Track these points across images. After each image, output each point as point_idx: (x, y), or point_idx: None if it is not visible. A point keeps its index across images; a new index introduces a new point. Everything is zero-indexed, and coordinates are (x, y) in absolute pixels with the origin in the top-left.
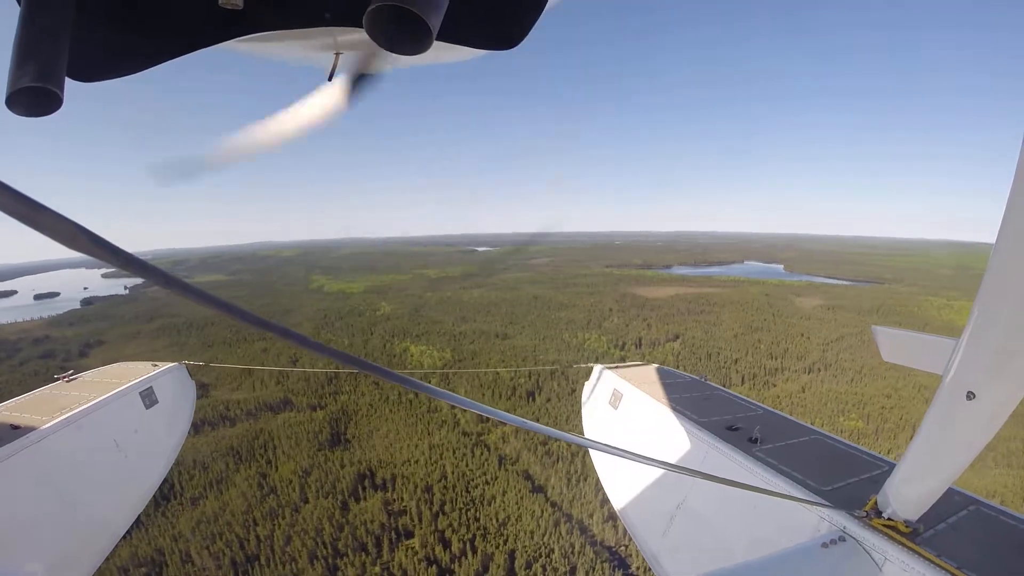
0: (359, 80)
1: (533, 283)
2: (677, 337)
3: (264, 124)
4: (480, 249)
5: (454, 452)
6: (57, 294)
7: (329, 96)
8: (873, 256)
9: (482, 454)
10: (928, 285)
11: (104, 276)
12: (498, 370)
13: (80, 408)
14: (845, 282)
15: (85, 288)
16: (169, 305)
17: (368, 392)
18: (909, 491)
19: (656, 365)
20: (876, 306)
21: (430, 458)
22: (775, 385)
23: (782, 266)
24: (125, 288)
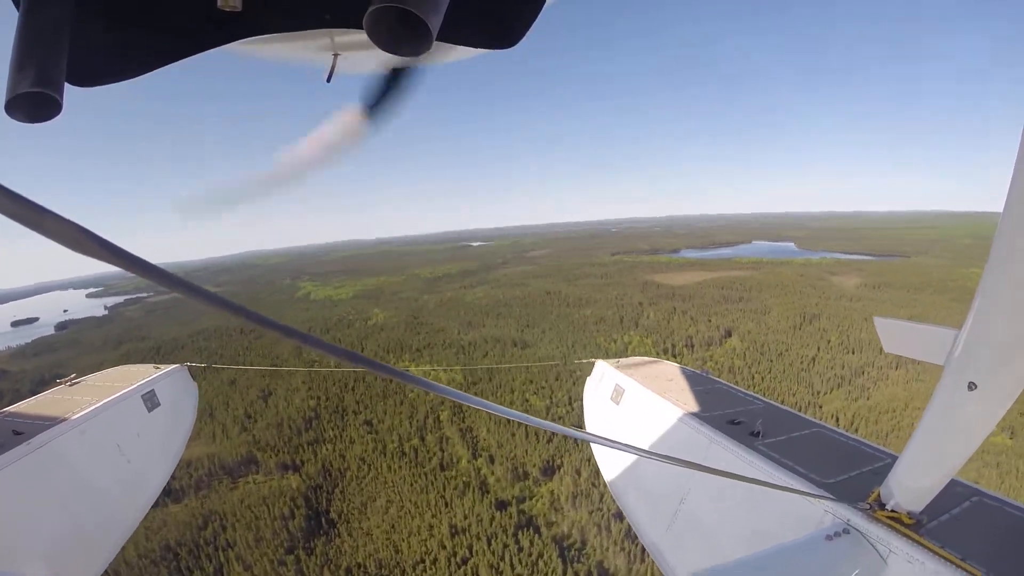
0: (377, 107)
1: (539, 277)
2: (730, 333)
3: (285, 158)
4: (474, 244)
5: (489, 542)
6: (36, 319)
7: (347, 124)
8: (880, 230)
9: (531, 543)
10: (957, 257)
11: (88, 296)
12: (527, 396)
13: (82, 412)
14: (868, 257)
15: (65, 311)
16: (140, 328)
17: (359, 439)
18: (912, 483)
19: (657, 360)
20: (921, 282)
21: (455, 554)
22: (869, 389)
23: (793, 244)
24: (105, 308)
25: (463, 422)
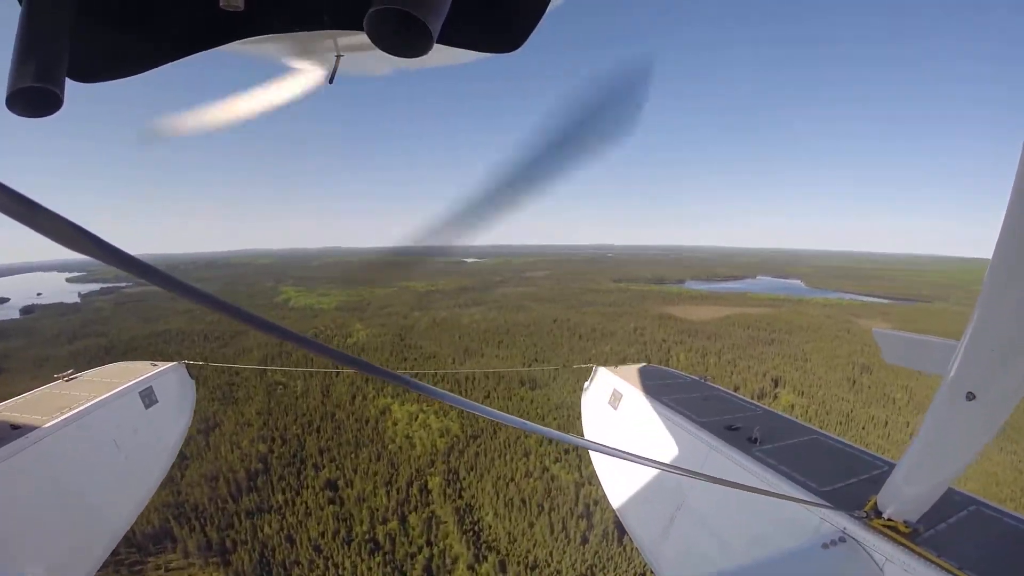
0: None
1: (542, 301)
2: (777, 383)
3: (242, 97)
4: (469, 260)
5: None
6: (7, 300)
7: (306, 73)
8: (885, 271)
9: None
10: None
11: (68, 280)
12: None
13: (80, 408)
14: (885, 300)
15: (38, 294)
16: (104, 321)
17: (316, 510)
18: (909, 491)
19: (654, 365)
20: (962, 331)
21: None
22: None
23: (800, 281)
24: (78, 295)
25: (460, 497)
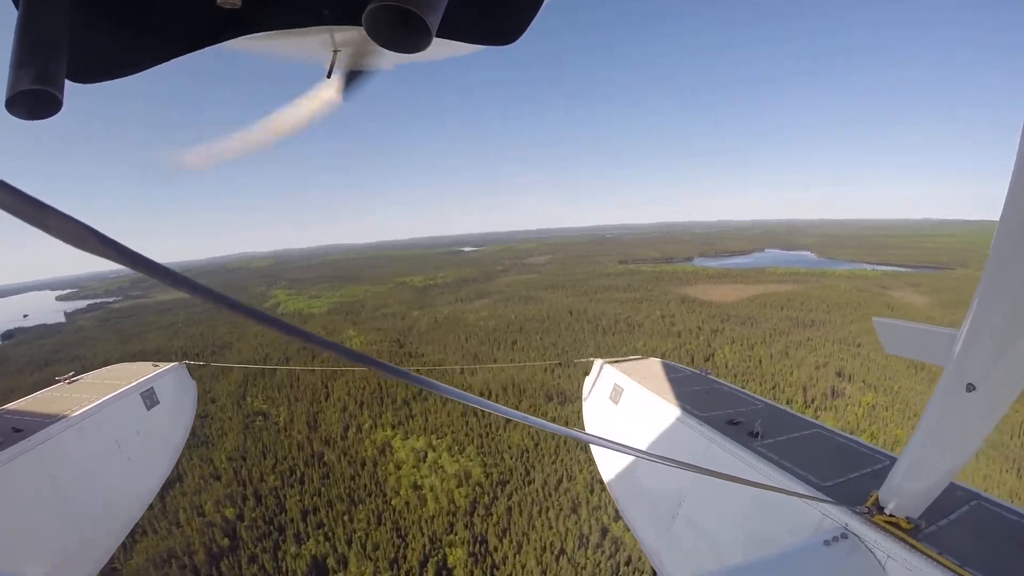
0: (353, 76)
1: (550, 288)
2: (840, 374)
3: (260, 123)
4: (466, 249)
5: None
6: None
7: (323, 93)
8: (890, 238)
9: None
10: None
11: (58, 299)
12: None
13: (82, 410)
14: (905, 269)
15: (25, 315)
16: (81, 343)
17: None
18: (911, 486)
19: (656, 359)
20: None
21: None
22: None
23: (810, 253)
24: (64, 314)
25: None
